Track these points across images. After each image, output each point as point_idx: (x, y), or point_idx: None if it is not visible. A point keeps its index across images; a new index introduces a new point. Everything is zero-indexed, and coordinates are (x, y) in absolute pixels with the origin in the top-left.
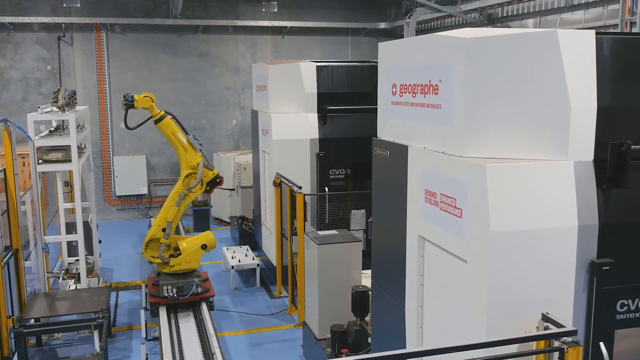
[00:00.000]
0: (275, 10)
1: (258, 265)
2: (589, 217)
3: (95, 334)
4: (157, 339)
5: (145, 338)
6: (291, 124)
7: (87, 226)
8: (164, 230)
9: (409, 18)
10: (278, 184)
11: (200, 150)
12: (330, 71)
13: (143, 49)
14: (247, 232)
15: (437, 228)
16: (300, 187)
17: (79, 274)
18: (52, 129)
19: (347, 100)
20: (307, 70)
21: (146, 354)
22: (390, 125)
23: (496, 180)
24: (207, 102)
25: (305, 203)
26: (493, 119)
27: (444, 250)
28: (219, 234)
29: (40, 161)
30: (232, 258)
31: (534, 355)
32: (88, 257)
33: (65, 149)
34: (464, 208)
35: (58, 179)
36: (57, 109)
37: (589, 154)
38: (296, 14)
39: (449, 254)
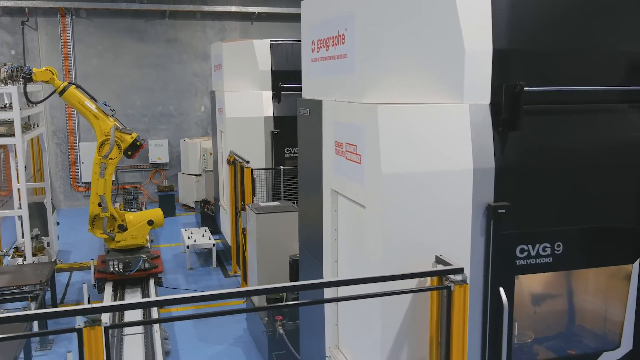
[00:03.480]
0: None
1: (214, 245)
2: (485, 160)
3: (32, 305)
4: None
5: None
6: (245, 102)
7: (42, 207)
8: (100, 205)
9: None
10: (232, 162)
11: (113, 115)
12: (285, 49)
13: (109, 34)
14: (208, 215)
15: (344, 178)
16: (248, 162)
17: None
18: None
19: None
20: (261, 48)
21: None
22: (311, 83)
23: (387, 122)
24: (175, 89)
25: (253, 178)
26: (392, 65)
27: (350, 200)
28: (185, 219)
29: None
30: (189, 238)
31: (429, 296)
32: (43, 238)
33: (9, 122)
34: (362, 153)
35: (11, 158)
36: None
37: (485, 98)
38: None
39: (354, 203)
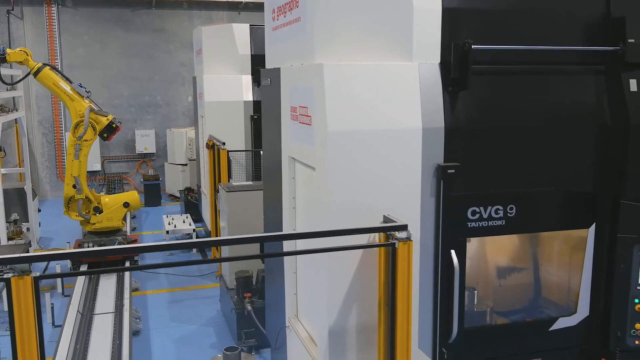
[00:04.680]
0: None
1: (194, 230)
2: (435, 119)
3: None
4: None
5: (62, 293)
6: (224, 85)
7: (22, 193)
8: (75, 187)
9: None
10: (211, 146)
11: (88, 97)
12: (264, 33)
13: (95, 23)
14: (192, 203)
15: (298, 143)
16: (224, 143)
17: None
18: None
19: None
20: (241, 32)
21: (52, 303)
22: (272, 52)
23: (333, 80)
24: (161, 79)
25: (230, 160)
26: (343, 25)
27: (305, 165)
28: (170, 208)
29: None
30: (169, 224)
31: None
32: (23, 223)
33: None
34: (312, 115)
35: None
36: None
37: (435, 57)
38: None
39: (308, 168)
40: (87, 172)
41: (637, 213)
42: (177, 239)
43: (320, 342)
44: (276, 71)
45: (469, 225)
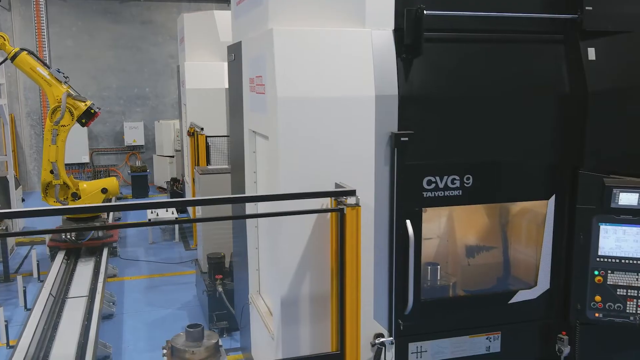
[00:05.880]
0: None
1: (176, 218)
2: (388, 87)
3: None
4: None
5: (38, 279)
6: (206, 72)
7: (5, 182)
8: (52, 172)
9: None
10: (192, 133)
11: (66, 82)
12: None
13: (83, 15)
14: (177, 193)
15: (255, 114)
16: (202, 129)
17: None
18: None
19: None
20: (222, 19)
21: (24, 287)
22: (236, 27)
23: (283, 45)
24: (150, 71)
25: (208, 145)
26: None
27: (261, 136)
28: (158, 200)
29: None
30: (152, 212)
31: (329, 228)
32: None
33: None
34: (266, 83)
35: None
36: None
37: (388, 24)
38: None
39: (264, 139)
40: (76, 164)
41: (595, 183)
42: (160, 228)
43: (275, 313)
44: (238, 45)
45: (425, 195)
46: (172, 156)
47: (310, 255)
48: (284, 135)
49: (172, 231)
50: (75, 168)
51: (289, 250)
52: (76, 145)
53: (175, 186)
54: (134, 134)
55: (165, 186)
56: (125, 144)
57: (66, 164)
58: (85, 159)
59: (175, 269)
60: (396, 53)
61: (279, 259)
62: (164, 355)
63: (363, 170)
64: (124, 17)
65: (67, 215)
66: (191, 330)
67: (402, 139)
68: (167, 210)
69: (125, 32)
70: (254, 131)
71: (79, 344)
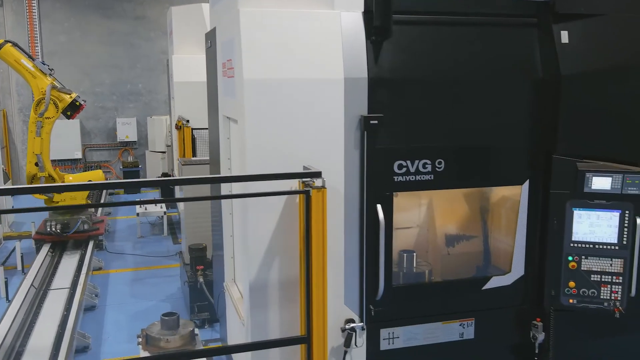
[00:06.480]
0: None
1: (165, 212)
2: (357, 70)
3: None
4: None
5: (22, 271)
6: (194, 65)
7: None
8: (37, 165)
9: None
10: (179, 126)
11: (51, 75)
12: None
13: (76, 11)
14: (168, 188)
15: (227, 98)
16: (188, 121)
17: None
18: None
19: None
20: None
21: (5, 278)
22: (213, 14)
23: (250, 25)
24: (143, 67)
25: (194, 137)
26: None
27: (233, 121)
28: (150, 196)
29: None
30: (140, 207)
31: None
32: None
33: None
34: (235, 66)
35: None
36: None
37: (358, 5)
38: None
39: (234, 122)
40: (68, 160)
41: (568, 167)
42: (149, 222)
43: (245, 298)
44: (213, 31)
45: (396, 180)
46: (164, 152)
47: (280, 239)
48: (250, 118)
49: (161, 226)
50: (68, 164)
51: (257, 234)
52: (69, 141)
53: None
54: (126, 130)
55: None
56: (118, 140)
57: (58, 160)
58: (78, 154)
59: (162, 262)
60: (366, 35)
61: (247, 243)
62: (138, 344)
63: (332, 154)
64: (117, 12)
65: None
66: (166, 318)
67: (371, 122)
68: (155, 205)
69: (118, 28)
70: (227, 117)
71: (57, 335)
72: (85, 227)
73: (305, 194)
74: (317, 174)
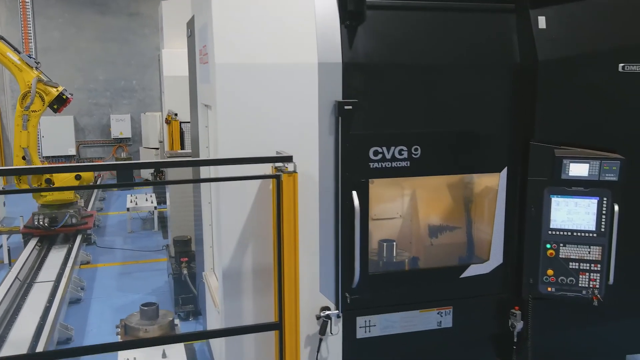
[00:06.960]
0: None
1: (155, 207)
2: (331, 54)
3: None
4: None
5: (9, 265)
6: (183, 59)
7: None
8: (24, 158)
9: None
10: (168, 121)
11: (37, 68)
12: None
13: (70, 6)
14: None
15: (204, 85)
16: (176, 114)
17: None
18: None
19: None
20: None
21: None
22: (194, 4)
23: (221, 9)
24: (137, 63)
25: (182, 131)
26: None
27: (208, 107)
28: (141, 191)
29: None
30: (131, 202)
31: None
32: None
33: None
34: (209, 51)
35: None
36: None
37: None
38: None
39: (209, 109)
40: (62, 156)
41: (546, 154)
42: (140, 218)
43: (219, 286)
44: (192, 20)
45: (371, 166)
46: (157, 148)
47: (254, 227)
48: (222, 103)
49: (152, 221)
50: (62, 160)
51: (230, 221)
52: (62, 137)
53: (159, 177)
54: (120, 127)
55: (150, 178)
56: (112, 137)
57: (52, 156)
58: (72, 151)
59: (150, 257)
60: (340, 20)
61: (220, 230)
62: (117, 334)
63: (306, 140)
64: (111, 8)
65: (42, 202)
66: (145, 308)
67: (345, 107)
68: (146, 200)
69: (112, 24)
70: (205, 104)
71: (38, 326)
72: (74, 221)
73: (277, 179)
74: (289, 159)
